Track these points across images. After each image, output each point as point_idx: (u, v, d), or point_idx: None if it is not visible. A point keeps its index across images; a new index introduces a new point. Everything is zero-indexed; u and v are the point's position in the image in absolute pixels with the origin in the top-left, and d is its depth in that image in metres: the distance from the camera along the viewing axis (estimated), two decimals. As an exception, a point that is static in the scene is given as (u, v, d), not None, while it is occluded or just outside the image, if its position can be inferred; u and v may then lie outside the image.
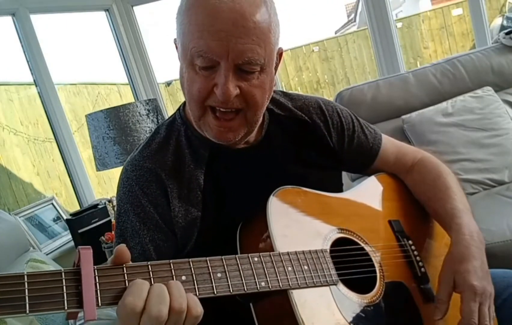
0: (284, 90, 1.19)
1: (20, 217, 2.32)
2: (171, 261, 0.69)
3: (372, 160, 1.17)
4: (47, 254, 2.21)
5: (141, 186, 0.93)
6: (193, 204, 0.94)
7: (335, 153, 1.10)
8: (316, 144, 1.08)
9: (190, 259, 0.71)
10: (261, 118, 0.96)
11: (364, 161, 1.17)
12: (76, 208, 2.79)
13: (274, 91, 1.10)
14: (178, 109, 1.06)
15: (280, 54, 0.97)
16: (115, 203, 2.53)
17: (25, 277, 0.56)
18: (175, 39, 0.94)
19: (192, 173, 0.96)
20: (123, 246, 0.66)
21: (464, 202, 1.07)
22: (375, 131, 1.18)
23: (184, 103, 1.04)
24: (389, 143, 1.19)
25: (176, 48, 0.95)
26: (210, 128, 0.92)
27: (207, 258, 0.73)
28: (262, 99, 0.91)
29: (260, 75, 0.89)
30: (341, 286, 0.87)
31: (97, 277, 0.62)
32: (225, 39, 0.82)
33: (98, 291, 0.61)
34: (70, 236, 2.37)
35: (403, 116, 2.30)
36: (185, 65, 0.90)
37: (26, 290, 0.55)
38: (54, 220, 2.52)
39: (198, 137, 0.99)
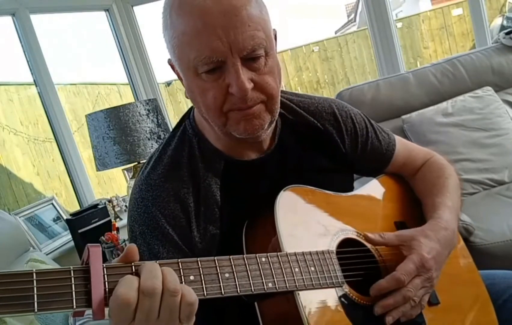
0: (285, 89, 1.16)
1: (20, 217, 2.31)
2: (179, 260, 0.69)
3: (385, 166, 1.16)
4: (47, 254, 2.20)
5: (159, 207, 0.90)
6: (211, 222, 0.92)
7: (347, 159, 1.09)
8: (329, 150, 1.06)
9: (198, 259, 0.71)
10: (279, 106, 0.93)
11: (377, 166, 1.16)
12: (76, 208, 2.78)
13: (286, 93, 1.09)
14: (188, 118, 1.01)
15: (275, 35, 0.94)
16: (115, 203, 2.55)
17: (34, 275, 0.55)
18: (169, 59, 0.91)
19: (208, 189, 0.93)
20: (133, 245, 0.65)
21: (456, 204, 1.07)
22: (389, 136, 1.17)
23: (191, 112, 1.01)
24: (402, 148, 1.18)
25: (172, 68, 0.92)
26: (237, 124, 0.87)
27: (215, 258, 0.73)
28: (275, 84, 0.88)
29: (267, 60, 0.86)
30: (346, 288, 0.87)
31: (106, 276, 0.61)
32: (224, 35, 0.79)
33: (107, 289, 0.61)
34: (70, 236, 2.36)
35: (403, 116, 2.30)
36: (190, 79, 0.86)
37: (35, 288, 0.55)
38: (54, 220, 2.52)
39: (212, 150, 0.96)
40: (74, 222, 2.27)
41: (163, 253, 0.88)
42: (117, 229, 2.24)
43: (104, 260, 2.12)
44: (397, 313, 0.87)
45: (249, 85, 0.83)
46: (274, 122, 0.94)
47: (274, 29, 0.93)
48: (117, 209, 2.57)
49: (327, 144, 1.07)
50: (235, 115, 0.87)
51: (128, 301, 0.59)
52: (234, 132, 0.89)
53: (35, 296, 0.55)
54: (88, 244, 0.61)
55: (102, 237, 2.18)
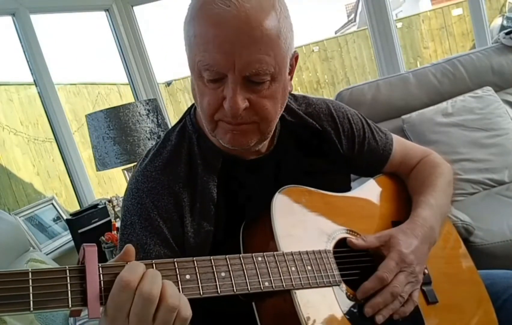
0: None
1: (20, 217, 2.31)
2: (175, 259, 0.69)
3: (383, 166, 1.17)
4: (47, 254, 2.21)
5: (152, 199, 0.90)
6: (206, 218, 0.92)
7: (345, 160, 1.09)
8: (327, 151, 1.07)
9: (194, 258, 0.71)
10: (274, 127, 0.93)
11: (375, 166, 1.16)
12: (76, 208, 2.79)
13: None
14: (189, 114, 1.02)
15: (295, 58, 0.92)
16: (115, 203, 2.54)
17: (30, 274, 0.55)
18: (184, 45, 0.90)
19: (205, 185, 0.94)
20: (131, 246, 0.66)
21: (441, 202, 1.06)
22: (386, 136, 1.17)
23: (193, 108, 1.02)
24: (399, 148, 1.18)
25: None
26: (225, 134, 0.88)
27: (211, 257, 0.73)
28: (274, 109, 0.88)
29: (271, 84, 0.84)
30: (344, 287, 0.87)
31: (101, 275, 0.61)
32: (230, 52, 0.78)
33: (103, 288, 0.61)
34: (70, 236, 2.36)
35: (403, 116, 2.30)
36: (194, 78, 0.87)
37: (31, 287, 0.55)
38: (54, 220, 2.52)
39: (211, 147, 0.96)
40: (74, 222, 2.27)
41: (150, 245, 0.89)
42: (117, 229, 2.24)
43: (104, 260, 2.12)
44: (387, 311, 0.87)
45: (242, 105, 0.82)
46: (266, 140, 0.94)
47: (295, 52, 0.91)
48: (117, 209, 2.57)
49: (325, 145, 1.07)
50: (224, 125, 0.87)
51: (129, 285, 0.60)
52: (220, 140, 0.90)
53: (31, 295, 0.55)
54: (84, 244, 0.61)
55: (102, 237, 2.18)
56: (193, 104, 1.02)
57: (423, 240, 0.96)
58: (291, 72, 0.92)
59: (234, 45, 0.78)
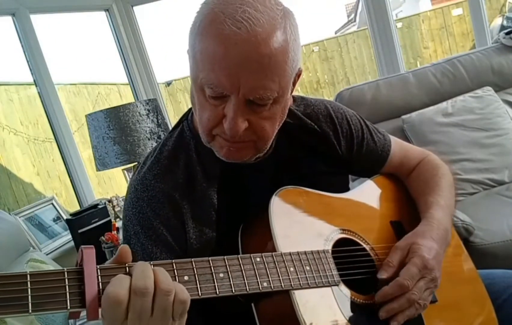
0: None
1: (20, 217, 2.31)
2: (173, 260, 0.69)
3: (381, 167, 1.17)
4: (47, 254, 2.21)
5: (153, 207, 0.90)
6: (207, 224, 0.92)
7: (343, 161, 1.09)
8: (325, 153, 1.07)
9: (192, 259, 0.71)
10: (270, 144, 0.93)
11: (373, 167, 1.16)
12: (76, 208, 2.79)
13: None
14: (186, 119, 1.02)
15: (298, 75, 0.91)
16: (115, 203, 2.54)
17: (28, 276, 0.56)
18: (188, 50, 0.89)
19: (205, 192, 0.94)
20: (125, 246, 0.66)
21: (449, 203, 1.07)
22: (384, 137, 1.17)
23: (190, 112, 1.02)
24: (397, 149, 1.18)
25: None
26: (221, 148, 0.88)
27: (210, 258, 0.73)
28: (272, 129, 0.88)
29: (272, 106, 0.84)
30: (342, 287, 0.87)
31: (99, 277, 0.61)
32: (236, 75, 0.78)
33: (101, 290, 0.61)
34: (70, 236, 2.36)
35: (403, 116, 2.30)
36: (195, 89, 0.86)
37: (29, 290, 0.55)
38: (54, 220, 2.52)
39: (209, 153, 0.94)
40: (74, 222, 2.27)
41: (157, 253, 0.89)
42: (117, 229, 2.24)
43: (104, 260, 2.12)
44: (403, 317, 0.86)
45: (242, 126, 0.82)
46: (262, 153, 0.94)
47: (299, 69, 0.90)
48: (117, 209, 2.57)
49: (324, 146, 1.07)
50: (221, 140, 0.87)
51: (118, 299, 0.59)
52: (216, 152, 0.90)
53: (29, 297, 0.55)
54: (82, 246, 0.61)
55: (102, 237, 2.18)
56: (190, 109, 1.02)
57: (441, 244, 0.96)
58: (293, 88, 0.92)
59: (241, 69, 0.77)
